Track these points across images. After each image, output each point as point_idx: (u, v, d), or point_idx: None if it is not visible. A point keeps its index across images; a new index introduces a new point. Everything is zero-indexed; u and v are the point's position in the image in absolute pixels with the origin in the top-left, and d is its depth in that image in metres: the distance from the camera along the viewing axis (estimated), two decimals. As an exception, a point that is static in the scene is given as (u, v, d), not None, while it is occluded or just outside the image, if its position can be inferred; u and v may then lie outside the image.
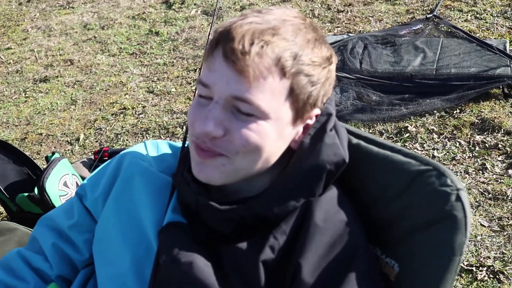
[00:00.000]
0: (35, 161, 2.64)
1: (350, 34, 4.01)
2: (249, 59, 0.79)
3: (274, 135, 0.85)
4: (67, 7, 6.05)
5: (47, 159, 2.55)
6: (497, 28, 3.84)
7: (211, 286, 0.84)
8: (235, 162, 0.86)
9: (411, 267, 0.85)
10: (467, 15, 4.08)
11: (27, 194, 2.31)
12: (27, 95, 4.12)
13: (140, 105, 3.66)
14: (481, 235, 2.22)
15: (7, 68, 4.70)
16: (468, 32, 3.70)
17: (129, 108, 3.64)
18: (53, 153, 2.58)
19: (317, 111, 0.91)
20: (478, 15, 4.05)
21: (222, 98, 0.82)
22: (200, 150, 0.86)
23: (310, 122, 0.91)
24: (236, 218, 0.88)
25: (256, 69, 0.79)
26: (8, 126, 3.72)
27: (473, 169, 2.59)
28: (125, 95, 3.86)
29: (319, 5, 4.76)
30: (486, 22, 3.94)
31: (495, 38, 3.65)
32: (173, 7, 5.33)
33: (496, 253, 2.14)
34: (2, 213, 2.78)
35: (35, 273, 1.11)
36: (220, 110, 0.83)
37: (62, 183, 2.36)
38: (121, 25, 5.17)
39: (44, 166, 2.48)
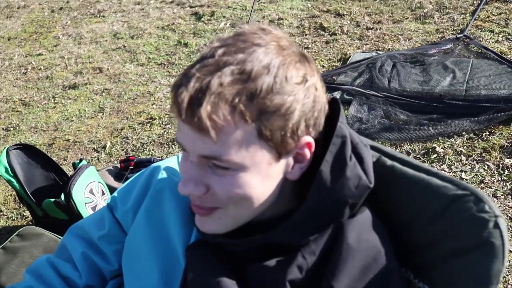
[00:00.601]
0: (61, 167, 2.67)
1: (379, 52, 3.99)
2: (202, 117, 0.73)
3: (257, 181, 0.81)
4: (98, 15, 6.15)
5: (74, 165, 2.58)
6: (529, 50, 3.78)
7: None
8: (229, 212, 0.84)
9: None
10: (498, 36, 4.02)
11: (53, 199, 2.33)
12: (56, 101, 4.19)
13: (167, 116, 3.69)
14: (510, 261, 2.17)
15: (38, 73, 4.79)
16: (499, 53, 3.65)
17: (156, 118, 3.67)
18: (80, 160, 2.61)
19: (306, 139, 0.82)
20: (509, 36, 4.00)
21: (195, 157, 0.80)
22: (196, 207, 0.86)
23: (300, 151, 0.83)
24: (256, 246, 0.88)
25: (213, 126, 0.74)
26: (36, 131, 3.78)
27: (502, 193, 2.54)
28: (152, 105, 3.89)
29: (348, 22, 4.76)
30: (518, 44, 3.89)
31: (526, 61, 3.59)
32: (202, 19, 5.39)
33: (525, 281, 2.09)
34: (28, 217, 2.81)
35: (63, 281, 1.12)
36: (196, 169, 0.81)
37: (88, 191, 2.38)
38: (151, 35, 5.24)
39: (71, 173, 2.51)
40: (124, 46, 5.09)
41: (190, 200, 0.87)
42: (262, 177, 0.81)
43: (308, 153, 0.84)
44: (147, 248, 1.01)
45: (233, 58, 0.75)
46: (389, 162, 0.96)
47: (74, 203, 2.30)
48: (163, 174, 1.06)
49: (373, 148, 0.99)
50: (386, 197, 0.94)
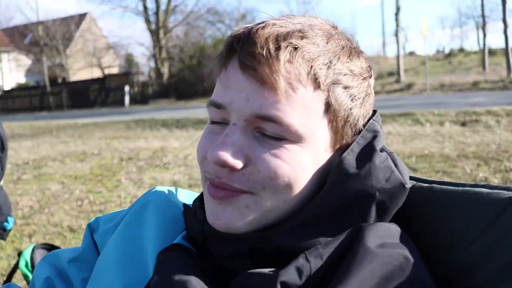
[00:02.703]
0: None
1: None
2: (276, 66, 0.63)
3: (309, 164, 0.66)
4: (163, 167, 6.37)
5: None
6: None
7: None
8: (262, 201, 0.66)
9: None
10: None
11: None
12: (101, 231, 4.14)
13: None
14: None
15: (92, 207, 4.85)
16: None
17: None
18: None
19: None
20: None
21: (242, 119, 0.65)
22: (215, 188, 0.68)
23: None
24: (251, 249, 0.67)
25: (285, 79, 0.63)
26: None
27: None
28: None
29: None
30: None
31: None
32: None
33: None
34: None
35: None
36: (240, 134, 0.65)
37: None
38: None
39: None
40: (181, 192, 5.14)
41: (209, 179, 0.69)
42: (314, 162, 0.67)
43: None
44: (115, 262, 0.82)
45: (311, 27, 0.68)
46: (426, 185, 0.77)
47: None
48: (153, 190, 0.91)
49: (410, 177, 0.81)
50: (421, 221, 0.73)
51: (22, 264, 2.27)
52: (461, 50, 35.54)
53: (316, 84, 0.65)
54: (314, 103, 0.65)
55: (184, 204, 0.81)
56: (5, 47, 41.40)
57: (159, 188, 0.93)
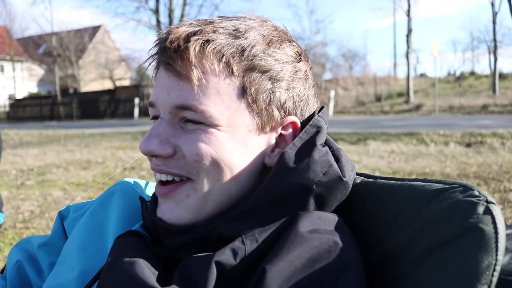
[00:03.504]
0: None
1: None
2: (186, 59, 0.69)
3: (231, 145, 0.71)
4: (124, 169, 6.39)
5: None
6: None
7: (148, 284, 0.66)
8: (199, 186, 0.71)
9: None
10: None
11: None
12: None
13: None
14: None
15: (91, 213, 4.87)
16: None
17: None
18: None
19: (292, 118, 0.76)
20: None
21: (167, 111, 0.71)
22: (160, 186, 0.74)
23: (284, 133, 0.76)
24: (198, 239, 0.71)
25: (196, 70, 0.69)
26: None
27: None
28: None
29: None
30: None
31: None
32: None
33: None
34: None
35: None
36: (166, 126, 0.71)
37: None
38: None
39: None
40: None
41: (153, 169, 0.74)
42: (238, 143, 0.71)
43: (291, 137, 0.76)
44: (76, 247, 0.86)
45: (228, 21, 0.74)
46: (371, 180, 0.80)
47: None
48: (120, 181, 0.95)
49: (358, 174, 0.84)
50: (363, 212, 0.76)
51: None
52: (472, 73, 35.50)
53: (229, 72, 0.70)
54: (228, 90, 0.70)
55: (140, 196, 0.85)
56: (19, 57, 41.94)
57: (127, 179, 0.97)
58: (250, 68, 0.71)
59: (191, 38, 0.69)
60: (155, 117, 0.75)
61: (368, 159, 7.23)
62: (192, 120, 0.70)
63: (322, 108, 0.82)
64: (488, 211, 0.60)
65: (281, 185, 0.70)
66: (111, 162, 7.97)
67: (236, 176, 0.72)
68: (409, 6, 24.32)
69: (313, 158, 0.72)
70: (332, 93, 23.06)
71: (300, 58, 0.79)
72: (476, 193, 0.62)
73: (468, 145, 8.33)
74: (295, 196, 0.71)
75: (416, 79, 32.70)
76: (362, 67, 45.30)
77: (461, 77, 30.14)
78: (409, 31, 23.94)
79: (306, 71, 0.79)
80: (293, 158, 0.72)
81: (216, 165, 0.70)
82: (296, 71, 0.76)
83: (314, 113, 0.80)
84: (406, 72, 24.45)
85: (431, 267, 0.61)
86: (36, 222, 4.56)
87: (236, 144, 0.71)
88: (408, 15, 24.23)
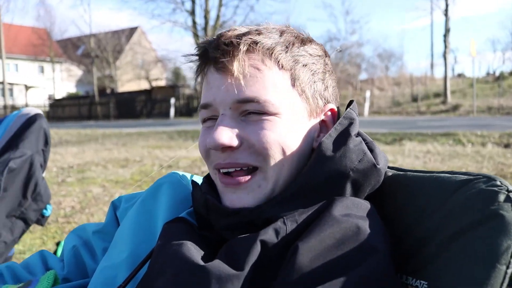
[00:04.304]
0: None
1: None
2: (240, 56, 0.77)
3: (291, 131, 0.79)
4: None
5: None
6: None
7: (194, 262, 0.73)
8: (268, 175, 0.79)
9: (444, 282, 0.67)
10: None
11: None
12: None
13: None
14: None
15: (129, 210, 5.00)
16: None
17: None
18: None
19: (331, 106, 0.87)
20: None
21: (227, 107, 0.79)
22: (227, 177, 0.80)
23: (326, 118, 0.86)
24: (246, 222, 0.78)
25: (250, 66, 0.78)
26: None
27: None
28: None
29: None
30: None
31: None
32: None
33: None
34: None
35: (46, 270, 1.08)
36: (229, 120, 0.79)
37: None
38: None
39: None
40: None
41: (218, 168, 0.81)
42: (296, 130, 0.80)
43: (331, 122, 0.86)
44: (128, 233, 0.95)
45: (264, 27, 0.85)
46: (402, 172, 0.86)
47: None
48: (169, 173, 1.03)
49: (389, 167, 0.90)
50: (394, 203, 0.82)
51: (59, 252, 2.42)
52: (512, 73, 34.67)
53: (279, 65, 0.79)
54: (281, 81, 0.79)
55: (192, 180, 0.93)
56: (58, 58, 43.04)
57: (175, 172, 1.06)
58: (295, 62, 0.82)
59: (242, 39, 0.78)
60: (209, 119, 0.83)
61: (403, 159, 7.20)
62: (254, 112, 0.78)
63: (351, 101, 0.89)
64: (508, 199, 0.65)
65: (321, 171, 0.77)
66: (148, 160, 8.14)
67: (296, 160, 0.80)
68: (446, 5, 23.89)
69: (349, 146, 0.79)
70: (368, 94, 22.87)
71: (326, 54, 0.90)
72: (498, 183, 0.68)
73: (507, 145, 8.19)
74: (333, 182, 0.78)
75: (453, 79, 32.14)
76: (398, 67, 44.68)
77: (500, 77, 29.46)
78: (447, 30, 23.55)
79: (331, 65, 0.90)
80: (331, 147, 0.79)
81: (281, 150, 0.78)
82: (326, 64, 0.88)
83: (347, 105, 0.87)
84: (443, 72, 23.96)
85: (457, 251, 0.66)
86: (77, 217, 4.72)
87: (294, 131, 0.80)
88: (446, 14, 23.81)
